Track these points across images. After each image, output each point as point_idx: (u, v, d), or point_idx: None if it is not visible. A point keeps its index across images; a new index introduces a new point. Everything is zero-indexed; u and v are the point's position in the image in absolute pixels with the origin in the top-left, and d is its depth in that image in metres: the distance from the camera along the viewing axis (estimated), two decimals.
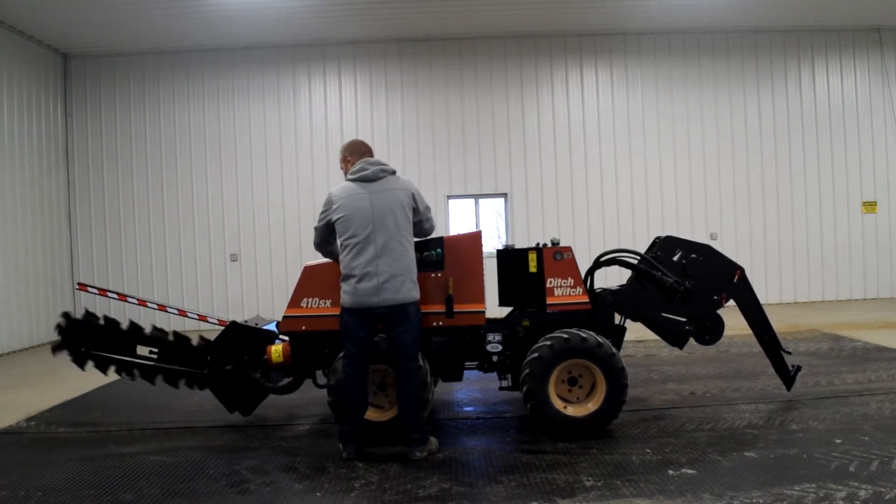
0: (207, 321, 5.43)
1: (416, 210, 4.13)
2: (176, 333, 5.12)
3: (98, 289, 5.37)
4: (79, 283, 5.52)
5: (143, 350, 5.16)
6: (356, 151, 4.29)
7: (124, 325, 5.17)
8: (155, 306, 5.39)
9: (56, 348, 5.09)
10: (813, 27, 11.40)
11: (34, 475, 3.98)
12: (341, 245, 4.07)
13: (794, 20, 11.07)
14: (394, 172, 4.18)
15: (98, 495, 3.63)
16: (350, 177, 4.15)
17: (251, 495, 3.58)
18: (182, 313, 5.37)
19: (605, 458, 3.93)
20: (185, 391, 5.24)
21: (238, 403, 4.96)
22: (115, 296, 5.34)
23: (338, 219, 4.06)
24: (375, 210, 3.99)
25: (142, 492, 3.65)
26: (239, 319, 5.04)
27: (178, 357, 5.04)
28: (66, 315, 5.12)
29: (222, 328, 4.94)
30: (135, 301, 5.32)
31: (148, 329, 5.15)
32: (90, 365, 5.12)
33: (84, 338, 5.05)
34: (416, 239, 4.25)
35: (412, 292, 4.02)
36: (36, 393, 6.45)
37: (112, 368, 5.12)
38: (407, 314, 4.00)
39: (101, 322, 5.12)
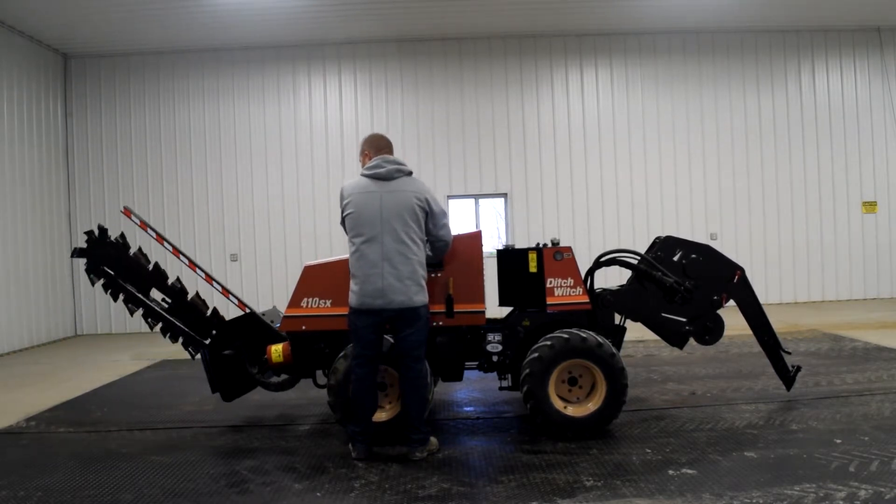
0: (228, 298, 5.26)
1: (429, 214, 4.02)
2: (197, 296, 5.09)
3: (140, 220, 5.11)
4: (124, 207, 5.28)
5: (154, 303, 5.08)
6: (374, 146, 4.20)
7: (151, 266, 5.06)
8: (186, 261, 5.19)
9: (77, 254, 4.95)
10: (813, 27, 11.40)
11: (34, 475, 3.97)
12: (349, 243, 4.02)
13: (794, 20, 11.07)
14: (410, 173, 4.09)
15: (98, 495, 3.63)
16: (365, 172, 4.06)
17: (251, 495, 3.58)
18: (208, 279, 5.17)
19: (605, 458, 3.93)
20: (184, 392, 5.24)
21: (224, 388, 4.91)
22: (154, 234, 5.12)
23: (347, 214, 4.00)
24: (385, 210, 3.91)
25: (142, 492, 3.65)
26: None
27: (187, 317, 5.00)
28: (101, 229, 4.98)
29: (241, 312, 4.94)
30: (169, 248, 5.10)
31: (172, 279, 5.07)
32: (100, 283, 4.97)
33: (108, 258, 4.93)
34: (431, 252, 4.19)
35: (419, 296, 3.94)
36: (36, 393, 6.45)
37: (121, 297, 4.99)
38: (416, 316, 3.95)
39: (131, 253, 5.00)
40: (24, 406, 5.84)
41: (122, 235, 5.09)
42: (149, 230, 5.11)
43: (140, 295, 4.98)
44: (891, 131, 11.50)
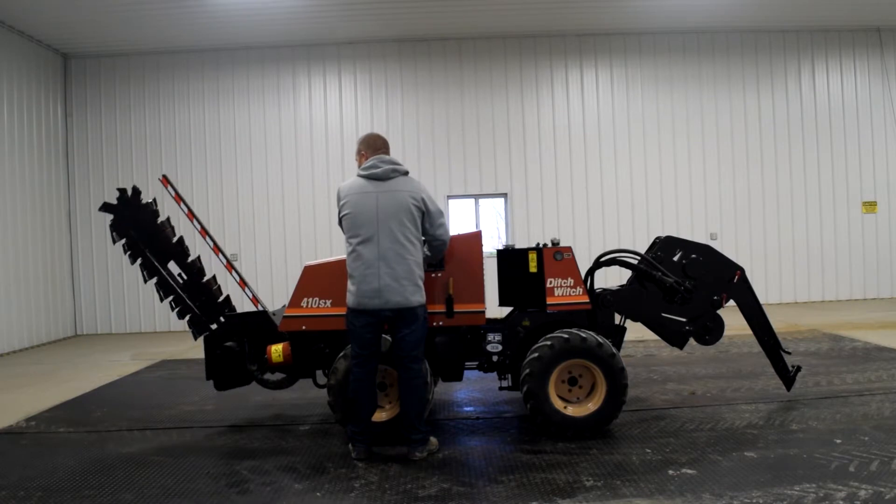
0: (244, 290, 5.26)
1: (425, 213, 4.01)
2: (213, 280, 5.08)
3: (176, 193, 5.07)
4: (163, 176, 5.21)
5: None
6: (371, 146, 4.19)
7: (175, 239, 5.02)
8: (211, 243, 5.16)
9: (104, 208, 4.89)
10: (813, 27, 11.40)
11: (34, 475, 3.97)
12: (346, 243, 4.02)
13: (794, 20, 11.08)
14: (406, 173, 4.07)
15: (98, 495, 3.63)
16: (361, 173, 4.06)
17: (251, 495, 3.58)
18: (229, 267, 5.15)
19: (605, 458, 3.93)
20: (184, 392, 5.24)
21: (219, 377, 4.87)
22: (186, 210, 5.07)
23: (344, 215, 4.00)
24: (381, 210, 3.91)
25: (142, 492, 3.65)
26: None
27: (199, 297, 4.98)
28: (136, 190, 4.92)
29: (251, 306, 4.93)
30: (198, 227, 5.08)
31: (193, 257, 5.04)
32: (121, 243, 4.93)
33: (135, 219, 4.88)
34: (429, 252, 4.18)
35: (415, 296, 3.93)
36: (36, 393, 6.45)
37: (139, 261, 4.95)
38: (414, 316, 3.95)
39: (159, 221, 4.96)
40: (24, 406, 5.84)
41: (155, 201, 5.02)
42: (182, 205, 5.07)
43: (158, 264, 4.94)
44: (891, 131, 11.50)
